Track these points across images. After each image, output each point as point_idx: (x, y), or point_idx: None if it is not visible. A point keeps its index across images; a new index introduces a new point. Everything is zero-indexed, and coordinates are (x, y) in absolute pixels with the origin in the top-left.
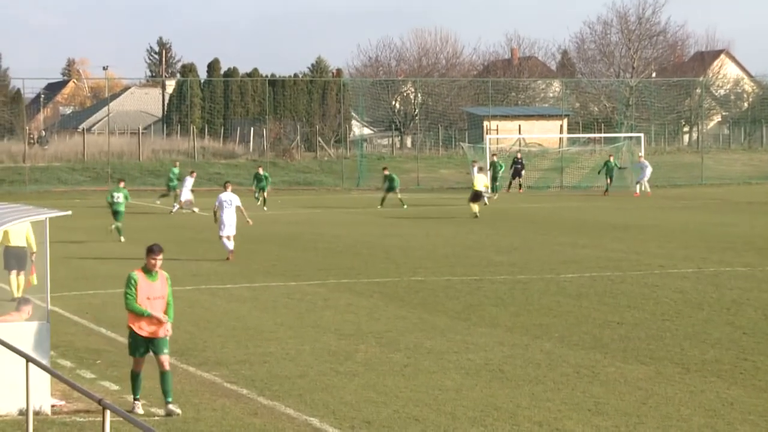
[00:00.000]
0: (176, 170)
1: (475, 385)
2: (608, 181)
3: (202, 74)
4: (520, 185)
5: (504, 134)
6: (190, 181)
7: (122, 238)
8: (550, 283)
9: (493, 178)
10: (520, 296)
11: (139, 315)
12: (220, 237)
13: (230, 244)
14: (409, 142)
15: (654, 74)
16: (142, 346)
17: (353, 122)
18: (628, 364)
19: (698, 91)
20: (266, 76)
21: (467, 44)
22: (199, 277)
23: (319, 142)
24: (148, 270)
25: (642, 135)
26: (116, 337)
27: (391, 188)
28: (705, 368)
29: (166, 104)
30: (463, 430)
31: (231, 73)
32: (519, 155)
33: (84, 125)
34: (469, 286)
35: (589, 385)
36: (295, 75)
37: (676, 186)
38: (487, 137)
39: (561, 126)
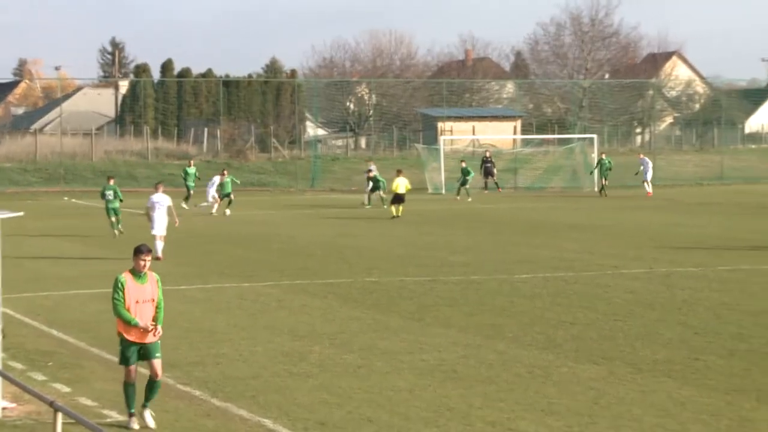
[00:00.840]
0: (191, 170)
1: (429, 385)
2: (603, 181)
3: (156, 74)
4: (496, 184)
5: (458, 135)
6: (217, 181)
7: (116, 232)
8: (504, 284)
9: (463, 183)
10: (474, 296)
11: (127, 323)
12: (153, 236)
13: (159, 245)
14: (363, 143)
15: (607, 75)
16: (133, 352)
17: (307, 123)
18: (580, 364)
19: (650, 92)
20: (220, 77)
21: (421, 45)
22: None
23: (274, 143)
24: (136, 272)
25: (595, 136)
26: (68, 338)
27: (376, 188)
28: (656, 368)
29: (119, 105)
30: (417, 431)
31: (184, 73)
32: (488, 154)
33: (36, 126)
34: (422, 286)
35: (542, 385)
36: (250, 75)
37: (629, 187)
38: (441, 138)
39: (515, 127)
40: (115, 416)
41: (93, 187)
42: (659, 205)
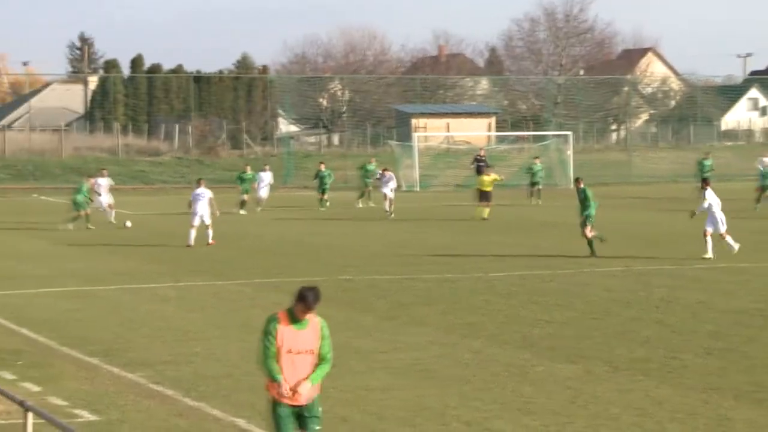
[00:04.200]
0: (372, 167)
1: (404, 385)
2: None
3: (126, 70)
4: None
5: (432, 132)
6: (266, 176)
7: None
8: (479, 282)
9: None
10: (449, 295)
11: (270, 377)
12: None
13: (209, 233)
14: (336, 139)
15: (582, 72)
16: (288, 419)
17: (280, 119)
18: (557, 363)
19: (626, 89)
20: (191, 73)
21: (394, 41)
22: (124, 276)
23: (246, 139)
24: (294, 316)
25: (570, 133)
26: (37, 337)
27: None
28: (633, 367)
29: (88, 101)
30: (391, 431)
31: (155, 69)
32: (482, 152)
33: (4, 122)
34: (397, 284)
35: (519, 385)
36: (221, 71)
37: (604, 184)
38: (415, 135)
39: (489, 124)
40: (87, 416)
41: (62, 184)
42: (634, 203)
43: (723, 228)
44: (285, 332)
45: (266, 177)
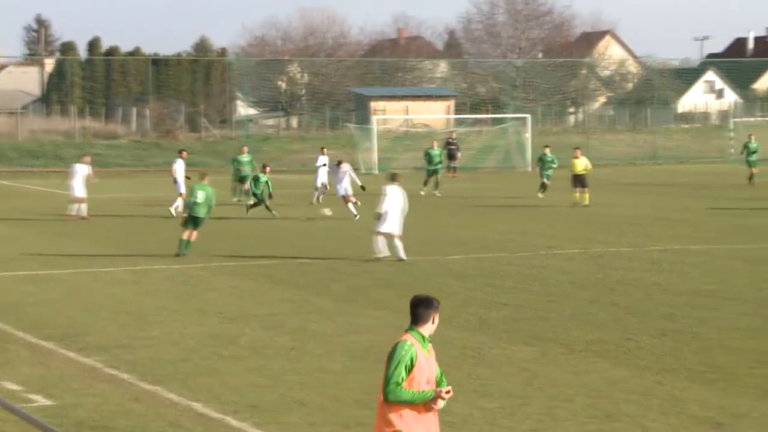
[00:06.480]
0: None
1: (361, 367)
2: (753, 169)
3: (83, 53)
4: (454, 169)
5: (391, 115)
6: (323, 161)
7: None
8: (436, 265)
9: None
10: (406, 278)
11: (418, 401)
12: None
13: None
14: (295, 122)
15: (540, 55)
16: None
17: (238, 102)
18: (513, 345)
19: (584, 71)
20: (149, 55)
21: (354, 24)
22: (80, 260)
23: (204, 122)
24: (423, 338)
25: (529, 116)
26: None
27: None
28: (589, 349)
29: (45, 83)
30: (348, 413)
31: (112, 51)
32: (454, 136)
33: None
34: (355, 268)
35: (475, 367)
36: (179, 54)
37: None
38: (374, 118)
39: (448, 107)
40: (42, 401)
41: (18, 167)
42: (592, 186)
43: (398, 231)
44: (422, 360)
45: (322, 160)
